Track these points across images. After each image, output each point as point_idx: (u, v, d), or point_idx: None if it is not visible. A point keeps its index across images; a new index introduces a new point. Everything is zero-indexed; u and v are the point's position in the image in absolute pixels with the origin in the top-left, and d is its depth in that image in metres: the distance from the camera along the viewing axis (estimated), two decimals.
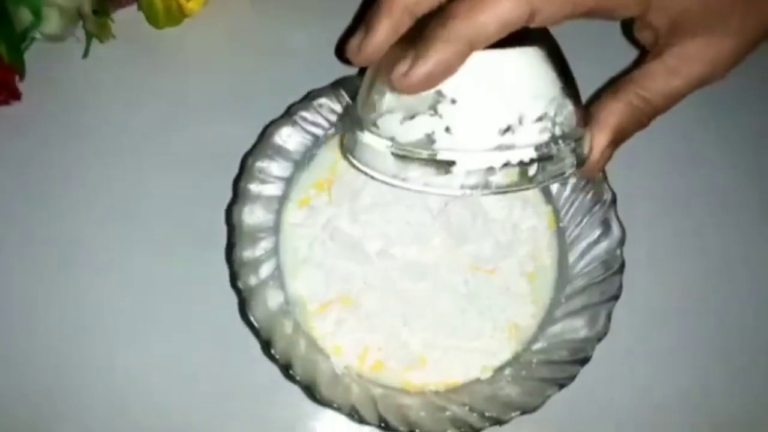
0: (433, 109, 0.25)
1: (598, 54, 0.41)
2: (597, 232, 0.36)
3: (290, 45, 0.43)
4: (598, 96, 0.30)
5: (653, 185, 0.42)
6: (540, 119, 0.26)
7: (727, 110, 0.44)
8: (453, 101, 0.25)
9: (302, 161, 0.38)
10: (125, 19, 0.42)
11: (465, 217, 0.36)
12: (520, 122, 0.26)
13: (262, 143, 0.36)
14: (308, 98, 0.37)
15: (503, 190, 0.26)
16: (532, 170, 0.26)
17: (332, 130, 0.38)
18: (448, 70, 0.24)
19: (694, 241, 0.41)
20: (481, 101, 0.26)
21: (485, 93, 0.26)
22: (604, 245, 0.36)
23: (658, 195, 0.42)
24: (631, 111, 0.29)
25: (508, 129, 0.26)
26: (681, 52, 0.28)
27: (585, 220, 0.37)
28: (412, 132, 0.26)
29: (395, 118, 0.26)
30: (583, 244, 0.37)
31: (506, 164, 0.26)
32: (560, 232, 0.38)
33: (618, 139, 0.29)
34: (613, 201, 0.36)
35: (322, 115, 0.38)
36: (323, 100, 0.37)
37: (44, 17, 0.39)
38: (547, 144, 0.26)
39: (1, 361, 0.37)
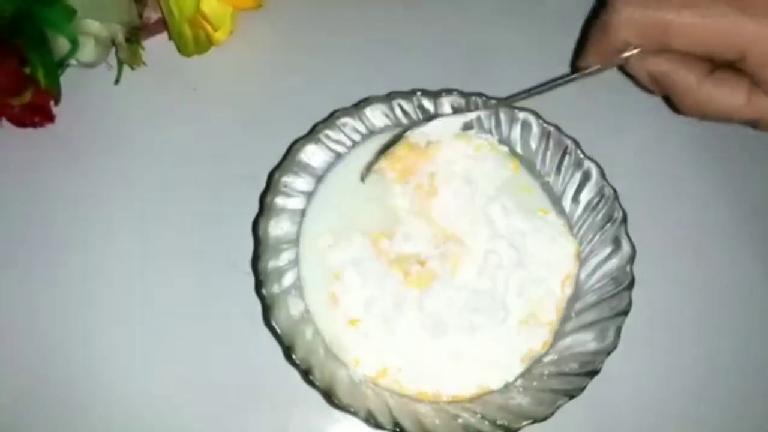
0: None
1: None
2: (608, 250, 0.37)
3: (312, 68, 0.45)
4: None
5: (663, 204, 0.43)
6: None
7: (740, 134, 0.44)
8: None
9: (323, 176, 0.39)
10: (155, 47, 0.44)
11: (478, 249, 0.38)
12: None
13: (288, 160, 0.38)
14: (332, 117, 0.39)
15: None
16: None
17: (354, 148, 0.40)
18: None
19: (703, 258, 0.42)
20: None
21: None
22: (614, 262, 0.37)
23: (668, 213, 0.43)
24: None
25: None
26: None
27: (597, 238, 0.38)
28: None
29: None
30: (595, 260, 0.38)
31: None
32: None
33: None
34: (624, 219, 0.37)
35: (344, 134, 0.40)
36: (346, 120, 0.39)
37: (80, 45, 0.41)
38: None
39: (22, 363, 0.38)
